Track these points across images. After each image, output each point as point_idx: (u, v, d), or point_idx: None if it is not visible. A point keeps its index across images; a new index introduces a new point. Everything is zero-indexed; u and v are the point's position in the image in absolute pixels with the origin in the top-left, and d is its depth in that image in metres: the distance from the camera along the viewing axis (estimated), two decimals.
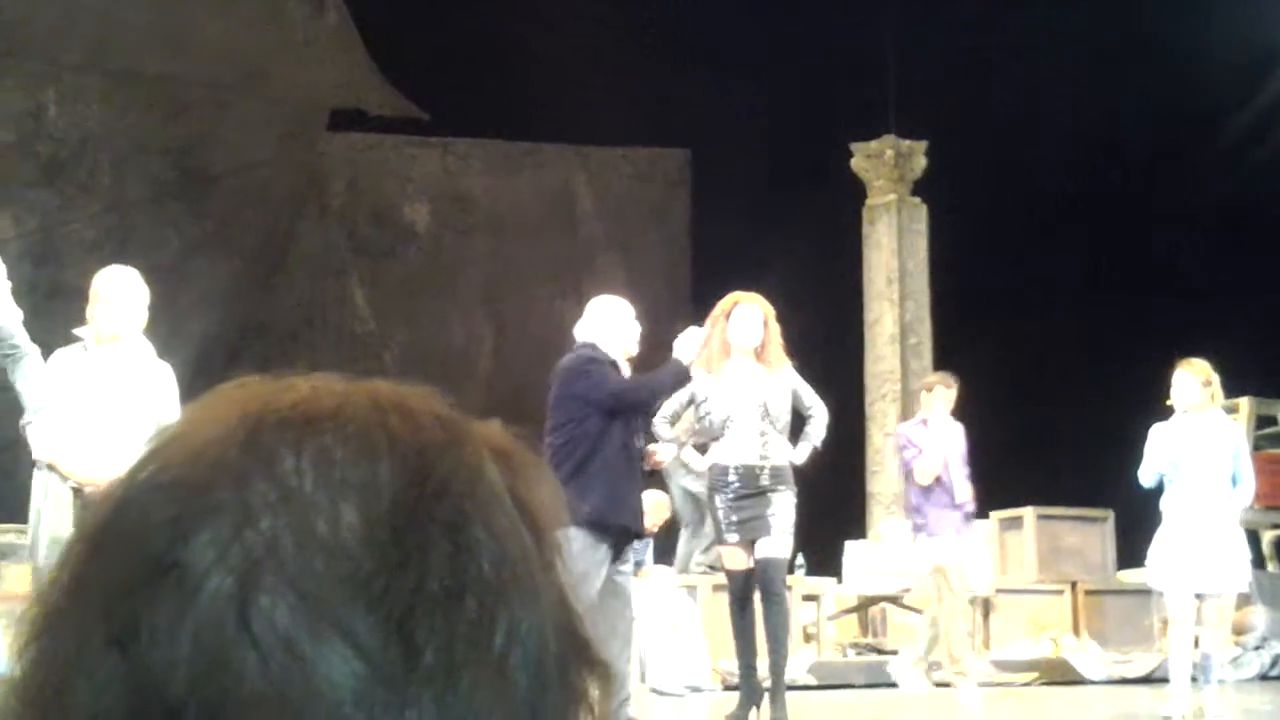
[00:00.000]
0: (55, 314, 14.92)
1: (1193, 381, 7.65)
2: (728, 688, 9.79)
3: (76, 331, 6.46)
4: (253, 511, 0.50)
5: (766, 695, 7.02)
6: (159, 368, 6.35)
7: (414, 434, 0.53)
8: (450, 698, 0.49)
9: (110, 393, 6.21)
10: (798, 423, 7.20)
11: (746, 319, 7.08)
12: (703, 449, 7.27)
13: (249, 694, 0.48)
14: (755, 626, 7.05)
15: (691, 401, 7.13)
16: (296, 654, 0.48)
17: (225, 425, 0.53)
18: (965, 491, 8.75)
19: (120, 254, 15.33)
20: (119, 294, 6.37)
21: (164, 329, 17.30)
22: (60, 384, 6.18)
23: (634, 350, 6.80)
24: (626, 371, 6.74)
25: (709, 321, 7.20)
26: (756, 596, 6.99)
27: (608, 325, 6.83)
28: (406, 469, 0.52)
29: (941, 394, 8.97)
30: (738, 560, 7.00)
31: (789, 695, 7.33)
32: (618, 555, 6.55)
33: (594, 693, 0.53)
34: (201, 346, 15.49)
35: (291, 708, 0.48)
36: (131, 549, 0.51)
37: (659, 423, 7.16)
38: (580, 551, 6.36)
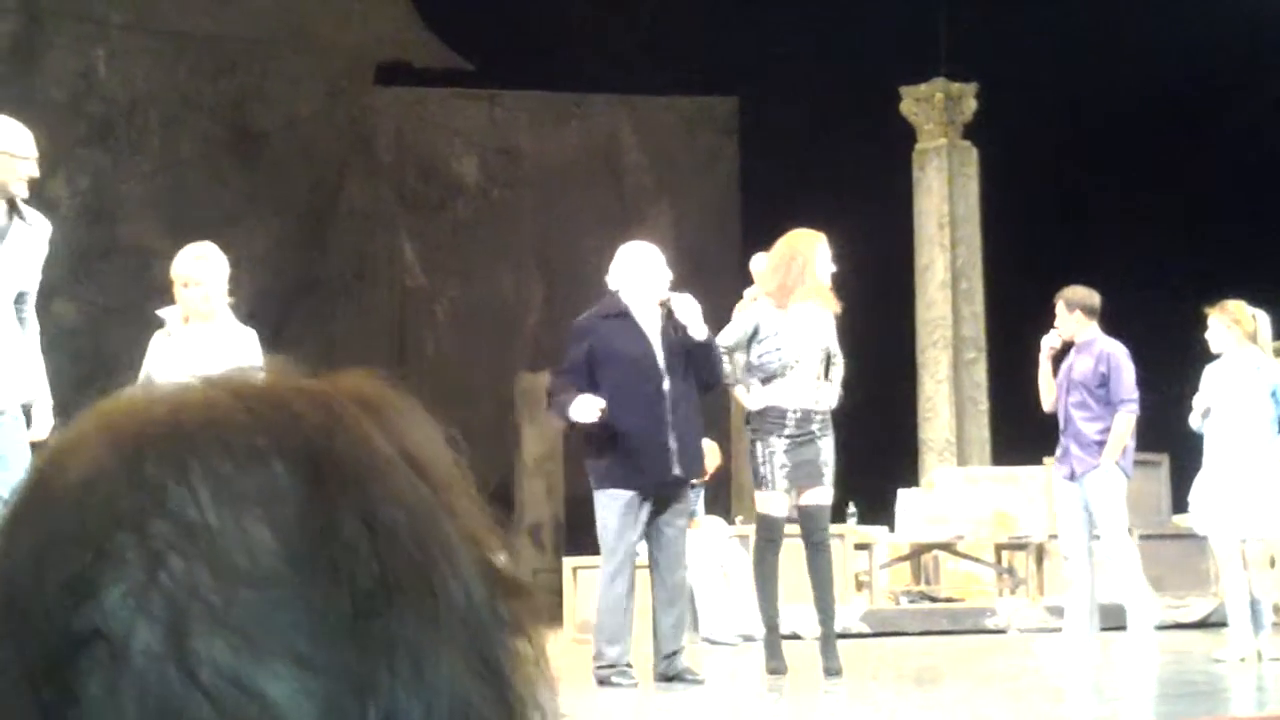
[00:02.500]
0: (109, 273, 15.11)
1: (1221, 324, 7.56)
2: (781, 636, 9.83)
3: (161, 314, 6.45)
4: (160, 555, 0.47)
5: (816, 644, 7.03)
6: (245, 339, 6.35)
7: (293, 424, 0.50)
8: (417, 682, 0.48)
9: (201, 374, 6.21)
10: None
11: (826, 254, 7.00)
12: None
13: None
14: (778, 575, 7.03)
15: (754, 337, 6.96)
16: (250, 691, 0.46)
17: (100, 462, 0.49)
18: (1070, 419, 7.78)
19: (172, 212, 15.45)
20: (202, 275, 6.36)
21: None
22: (153, 370, 6.20)
23: (663, 295, 6.71)
24: (652, 320, 6.67)
25: (786, 253, 7.03)
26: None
27: (631, 273, 6.77)
28: (300, 466, 0.49)
29: (1060, 311, 7.97)
30: (780, 505, 6.93)
31: (841, 643, 7.36)
32: (661, 508, 6.49)
33: (526, 617, 0.53)
34: (255, 303, 15.58)
35: None
36: (38, 622, 0.47)
37: (734, 358, 7.00)
38: (606, 510, 6.38)
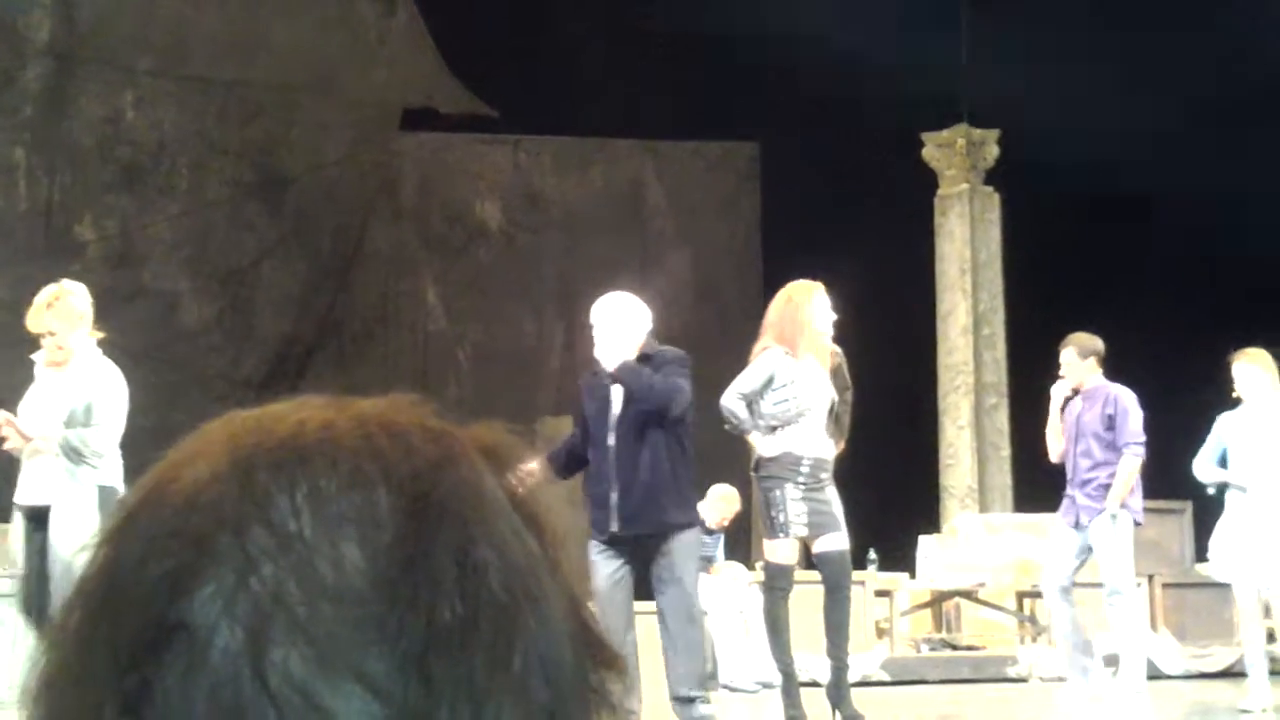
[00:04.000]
0: (134, 316, 15.19)
1: (1248, 371, 7.54)
2: (801, 684, 9.77)
3: (33, 358, 6.56)
4: (254, 560, 0.49)
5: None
6: (92, 381, 6.48)
7: (406, 456, 0.51)
8: None
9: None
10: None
11: (829, 306, 7.01)
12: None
13: None
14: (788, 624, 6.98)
15: (769, 384, 6.96)
16: (316, 705, 0.47)
17: (215, 469, 0.51)
18: (1077, 468, 7.72)
19: (198, 256, 15.57)
20: (52, 325, 6.59)
21: (241, 329, 17.53)
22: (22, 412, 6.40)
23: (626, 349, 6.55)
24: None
25: (785, 305, 7.04)
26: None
27: (596, 327, 6.66)
28: (403, 496, 0.50)
29: (1063, 356, 7.89)
30: (791, 554, 6.91)
31: (861, 692, 7.31)
32: (648, 560, 6.31)
33: (612, 689, 0.53)
34: (278, 346, 15.67)
35: None
36: (133, 609, 0.49)
37: (738, 407, 6.98)
38: (592, 561, 6.33)
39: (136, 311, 14.96)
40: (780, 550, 6.92)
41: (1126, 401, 7.80)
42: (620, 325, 6.55)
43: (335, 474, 0.51)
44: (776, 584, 6.95)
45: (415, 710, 0.48)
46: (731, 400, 6.95)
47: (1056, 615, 7.94)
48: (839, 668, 6.90)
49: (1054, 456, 7.94)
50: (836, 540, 6.84)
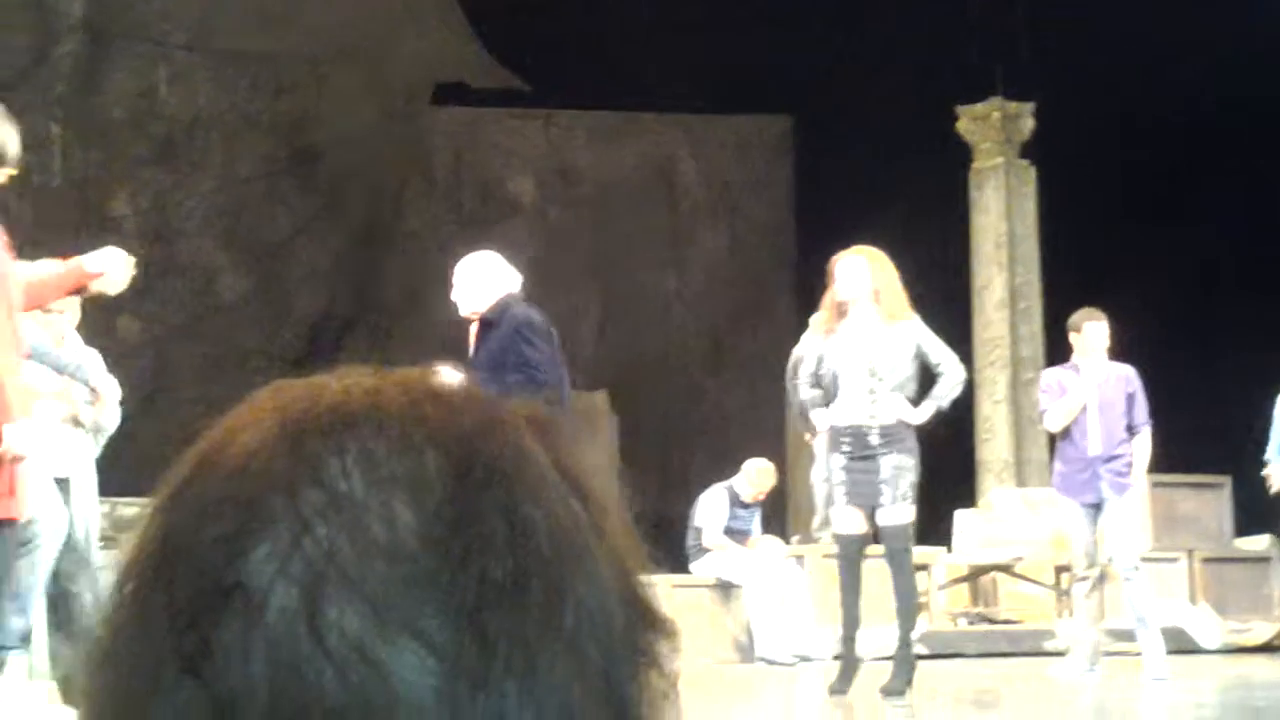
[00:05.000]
0: (170, 291, 15.26)
1: None
2: (836, 657, 9.77)
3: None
4: (307, 521, 0.50)
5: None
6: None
7: (452, 420, 0.52)
8: (530, 682, 0.49)
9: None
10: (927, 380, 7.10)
11: (847, 270, 7.01)
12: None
13: (331, 706, 0.48)
14: (859, 595, 7.03)
15: (798, 366, 7.20)
16: (372, 661, 0.48)
17: (265, 435, 0.52)
18: (1100, 444, 7.81)
19: (232, 231, 15.60)
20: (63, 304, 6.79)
21: (277, 303, 17.59)
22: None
23: (475, 308, 6.62)
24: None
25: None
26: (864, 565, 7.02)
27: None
28: (451, 458, 0.51)
29: (1094, 331, 8.01)
30: (847, 523, 6.98)
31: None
32: None
33: (663, 651, 0.53)
34: (314, 321, 15.72)
35: (375, 715, 0.48)
36: (190, 572, 0.50)
37: (793, 394, 7.15)
38: None
39: (172, 286, 15.03)
40: (836, 519, 7.06)
41: (1138, 380, 7.95)
42: (469, 282, 6.65)
43: (384, 438, 0.51)
44: (838, 553, 7.10)
45: (470, 666, 0.49)
46: (792, 391, 7.19)
47: (1088, 608, 7.96)
48: (899, 641, 6.98)
49: (1057, 426, 8.01)
50: (882, 515, 6.90)
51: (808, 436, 7.23)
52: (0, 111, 4.90)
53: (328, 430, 0.52)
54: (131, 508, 9.15)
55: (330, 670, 0.48)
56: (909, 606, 7.06)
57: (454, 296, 6.65)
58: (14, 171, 4.93)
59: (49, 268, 5.24)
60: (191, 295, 15.19)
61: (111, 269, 5.08)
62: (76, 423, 6.57)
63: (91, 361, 6.71)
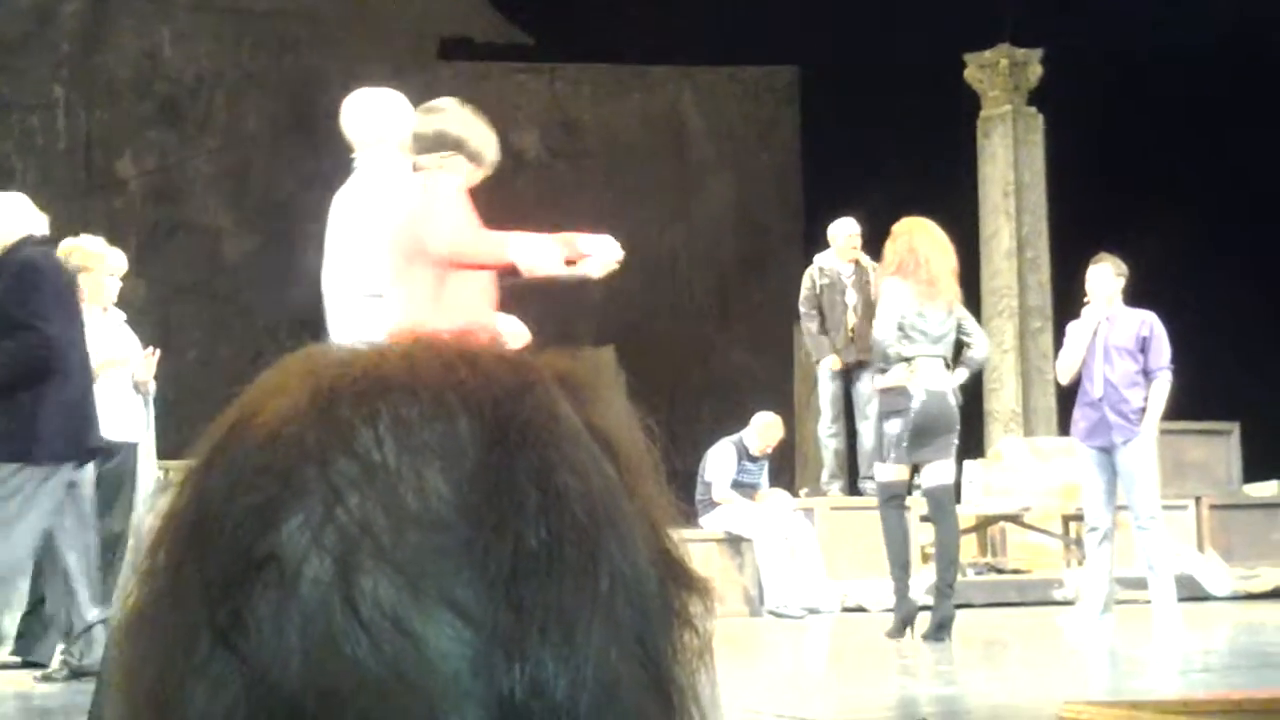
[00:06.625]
0: (176, 250, 15.25)
1: None
2: (846, 609, 9.82)
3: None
4: (340, 491, 0.49)
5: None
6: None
7: (485, 384, 0.52)
8: (566, 650, 0.49)
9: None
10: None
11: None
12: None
13: (366, 677, 0.48)
14: (909, 540, 7.31)
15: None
16: (406, 632, 0.48)
17: (296, 403, 0.51)
18: (1101, 388, 7.71)
19: (238, 191, 15.58)
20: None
21: (283, 262, 17.56)
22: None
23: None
24: None
25: (897, 247, 7.47)
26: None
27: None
28: (484, 424, 0.51)
29: (1094, 275, 7.95)
30: (888, 471, 7.25)
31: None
32: None
33: (696, 610, 0.53)
34: (319, 280, 15.72)
35: (410, 686, 0.48)
36: (222, 543, 0.50)
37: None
38: None
39: (179, 246, 15.03)
40: (890, 469, 7.64)
41: (1159, 326, 7.84)
42: None
43: (417, 403, 0.51)
44: (885, 495, 7.71)
45: (505, 635, 0.49)
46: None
47: (1099, 557, 7.92)
48: (936, 591, 7.22)
49: (1067, 378, 7.97)
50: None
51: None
52: (469, 111, 5.13)
53: (360, 397, 0.51)
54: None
55: (365, 642, 0.48)
56: (956, 552, 7.61)
57: None
58: (489, 171, 5.02)
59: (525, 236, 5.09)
60: (198, 255, 15.19)
61: (603, 253, 5.12)
62: (137, 389, 6.79)
63: (119, 325, 6.95)
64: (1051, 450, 11.93)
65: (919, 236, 7.49)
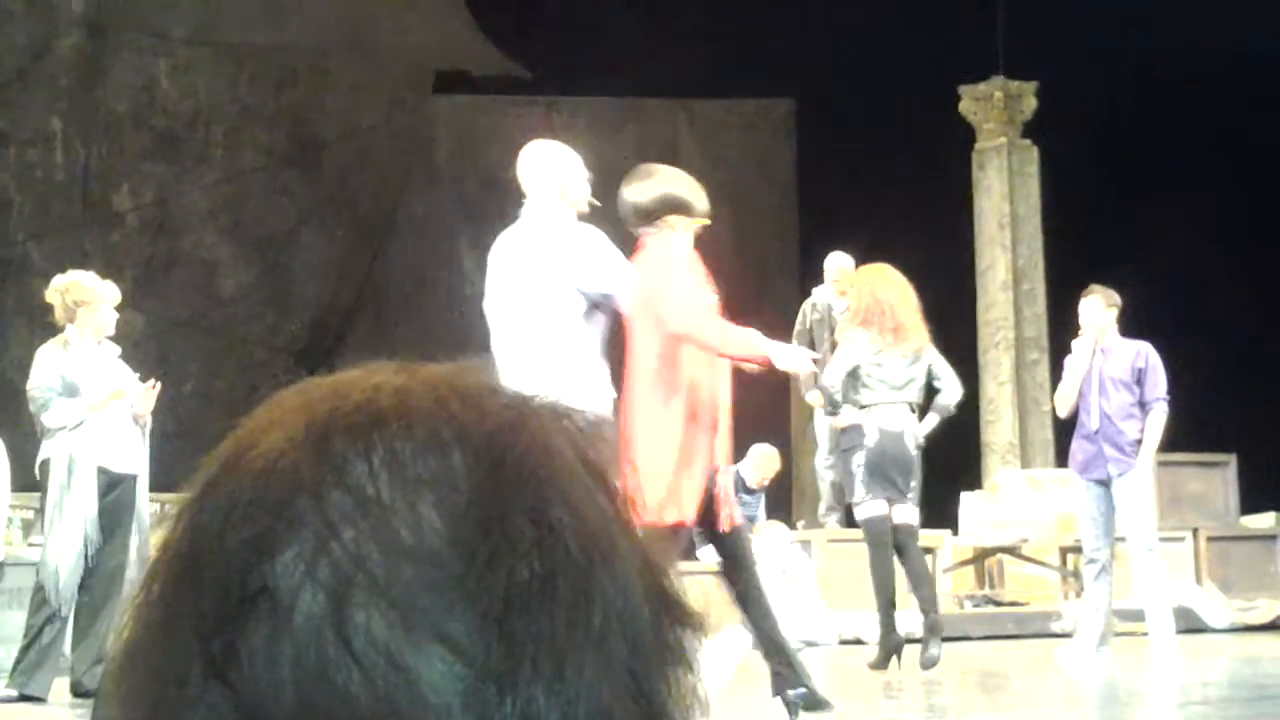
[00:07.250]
0: (173, 284, 15.25)
1: None
2: (843, 642, 9.80)
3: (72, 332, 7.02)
4: (333, 524, 0.49)
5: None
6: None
7: (479, 418, 0.52)
8: (558, 684, 0.49)
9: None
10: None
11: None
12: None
13: (358, 710, 0.48)
14: (894, 575, 7.27)
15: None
16: (399, 666, 0.48)
17: (291, 436, 0.51)
18: (1097, 420, 7.66)
19: (236, 223, 15.60)
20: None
21: (280, 295, 17.56)
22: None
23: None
24: None
25: (860, 297, 7.60)
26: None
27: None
28: (479, 458, 0.51)
29: (1085, 307, 7.89)
30: (877, 509, 7.37)
31: (905, 648, 7.33)
32: None
33: (689, 646, 0.53)
34: (317, 312, 15.72)
35: None
36: (216, 575, 0.50)
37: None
38: None
39: (176, 279, 15.03)
40: (867, 508, 7.62)
41: (1155, 357, 7.79)
42: None
43: (411, 438, 0.51)
44: (869, 536, 7.67)
45: (497, 669, 0.48)
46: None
47: (1097, 589, 7.85)
48: (920, 610, 7.27)
49: (1065, 411, 7.93)
50: (903, 513, 7.29)
51: None
52: (678, 173, 5.57)
53: (354, 430, 0.51)
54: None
55: (358, 676, 0.48)
56: (929, 581, 7.65)
57: None
58: (706, 221, 5.41)
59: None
60: (195, 288, 15.20)
61: (789, 363, 5.57)
62: (135, 421, 6.86)
63: (114, 359, 7.01)
64: (1048, 482, 11.92)
65: (880, 285, 7.51)
